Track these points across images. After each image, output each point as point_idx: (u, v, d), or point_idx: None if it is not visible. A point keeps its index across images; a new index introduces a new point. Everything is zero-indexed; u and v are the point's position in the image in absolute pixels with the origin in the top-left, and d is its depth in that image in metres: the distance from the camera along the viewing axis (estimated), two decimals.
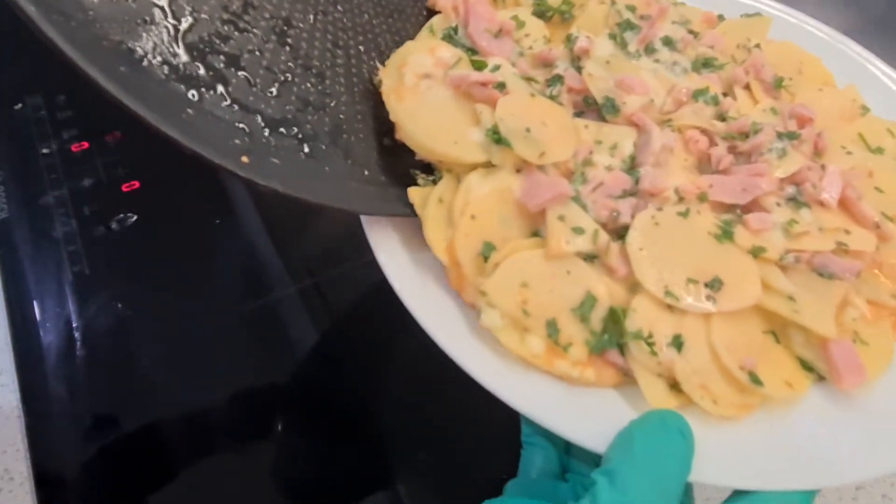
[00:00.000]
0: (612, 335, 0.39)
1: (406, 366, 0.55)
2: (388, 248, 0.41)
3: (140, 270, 0.58)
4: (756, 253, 0.43)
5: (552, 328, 0.39)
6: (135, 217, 0.61)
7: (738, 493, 0.36)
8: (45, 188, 0.63)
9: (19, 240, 0.59)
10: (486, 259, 0.40)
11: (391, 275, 0.39)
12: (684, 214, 0.43)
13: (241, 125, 0.35)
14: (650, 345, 0.38)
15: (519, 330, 0.39)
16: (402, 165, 0.45)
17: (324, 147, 0.40)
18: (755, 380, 0.38)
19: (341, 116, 0.44)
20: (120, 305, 0.56)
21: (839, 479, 0.36)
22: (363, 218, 0.42)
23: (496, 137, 0.43)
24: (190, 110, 0.33)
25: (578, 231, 0.41)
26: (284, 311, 0.59)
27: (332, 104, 0.43)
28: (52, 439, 0.48)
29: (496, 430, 0.51)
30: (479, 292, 0.39)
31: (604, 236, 0.41)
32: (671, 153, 0.47)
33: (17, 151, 0.65)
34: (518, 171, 0.44)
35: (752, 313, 0.42)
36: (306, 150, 0.39)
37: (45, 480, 0.47)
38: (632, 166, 0.46)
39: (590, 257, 0.42)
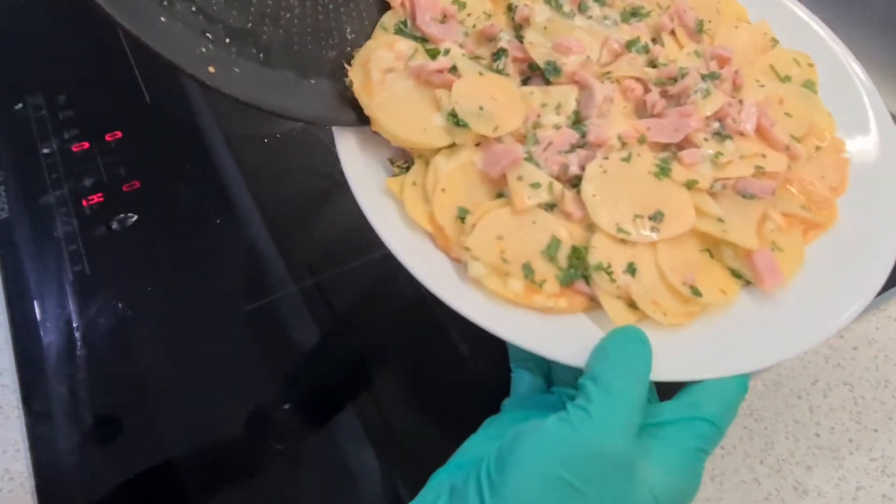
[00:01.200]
0: (576, 269, 0.47)
1: (406, 365, 0.57)
2: (383, 218, 0.47)
3: (141, 270, 0.59)
4: (690, 185, 0.51)
5: (528, 270, 0.46)
6: (135, 217, 0.62)
7: (685, 387, 0.46)
8: (45, 188, 0.63)
9: (20, 239, 0.59)
10: (463, 221, 0.47)
11: (389, 241, 0.45)
12: (627, 159, 0.51)
13: (207, 34, 0.37)
14: (609, 273, 0.46)
15: (501, 275, 0.46)
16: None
17: (278, 57, 0.43)
18: (695, 292, 0.47)
19: (294, 29, 0.47)
20: (120, 305, 0.57)
21: (762, 361, 0.45)
22: (357, 195, 0.47)
23: (455, 120, 0.49)
24: (163, 18, 0.34)
25: (536, 186, 0.48)
26: (285, 310, 0.59)
27: (286, 16, 0.47)
28: (52, 439, 0.48)
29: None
30: (463, 249, 0.46)
31: (558, 186, 0.49)
32: (612, 103, 0.54)
33: (18, 151, 0.65)
34: (478, 145, 0.51)
35: (690, 237, 0.51)
36: (261, 58, 0.42)
37: (46, 480, 0.47)
38: (577, 121, 0.53)
39: (549, 206, 0.49)
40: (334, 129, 0.50)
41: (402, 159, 0.52)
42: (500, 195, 0.50)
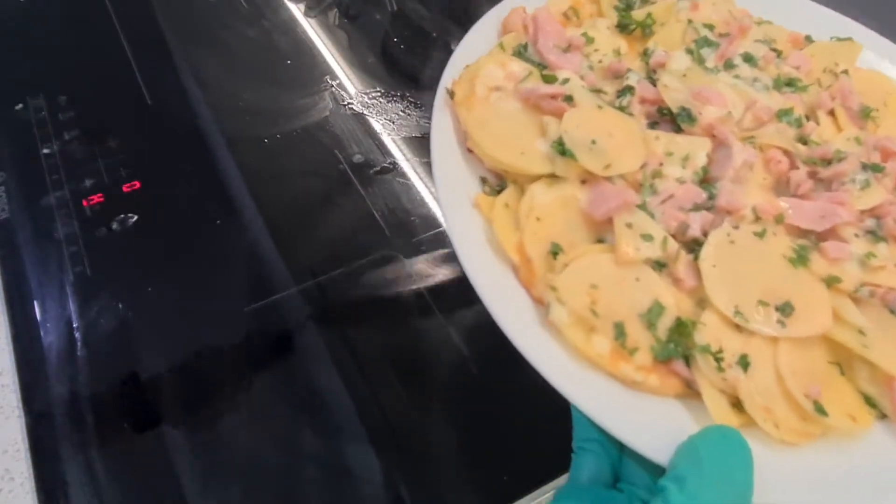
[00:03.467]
0: (678, 345, 0.40)
1: (407, 365, 0.56)
2: (464, 236, 0.42)
3: (141, 271, 0.59)
4: (830, 282, 0.43)
5: (619, 331, 0.39)
6: (135, 217, 0.62)
7: None
8: (46, 189, 0.64)
9: (20, 240, 0.60)
10: (555, 257, 0.41)
11: (466, 264, 0.40)
12: (760, 235, 0.44)
13: None
14: (718, 360, 0.39)
15: (586, 329, 0.40)
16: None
17: None
18: (819, 409, 0.39)
19: None
20: (121, 306, 0.57)
21: None
22: (442, 203, 0.43)
23: (561, 149, 0.44)
24: None
25: (647, 238, 0.42)
26: (286, 311, 0.59)
27: None
28: (52, 439, 0.49)
29: (516, 429, 0.52)
30: (548, 287, 0.40)
31: (673, 244, 0.42)
32: (751, 170, 0.48)
33: (19, 152, 0.66)
34: (583, 182, 0.45)
35: (820, 342, 0.43)
36: None
37: (46, 480, 0.47)
38: (704, 179, 0.47)
39: (658, 266, 0.42)
40: (432, 137, 0.46)
41: (497, 182, 0.47)
42: (600, 241, 0.44)
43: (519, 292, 0.42)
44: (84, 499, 0.47)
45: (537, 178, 0.45)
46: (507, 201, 0.44)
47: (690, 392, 0.40)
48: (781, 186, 0.49)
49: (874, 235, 0.47)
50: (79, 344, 0.54)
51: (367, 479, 0.50)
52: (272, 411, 0.53)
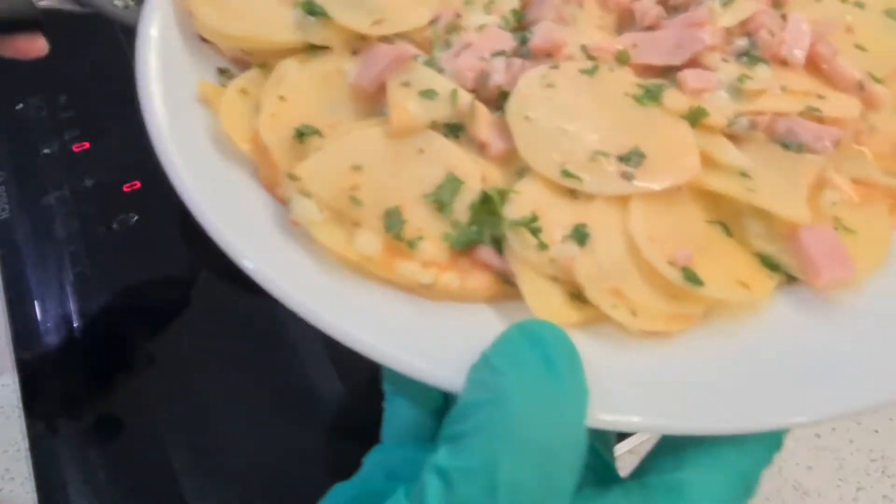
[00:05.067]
0: (483, 226, 0.28)
1: None
2: (178, 133, 0.30)
3: (141, 271, 0.59)
4: (694, 117, 0.32)
5: (393, 218, 0.28)
6: (136, 217, 0.62)
7: (666, 445, 0.25)
8: (46, 188, 0.63)
9: (21, 240, 0.60)
10: (302, 140, 0.30)
11: (169, 162, 0.28)
12: (590, 72, 0.33)
13: None
14: (535, 232, 0.27)
15: (346, 225, 0.28)
16: None
17: None
18: (691, 277, 0.28)
19: None
20: (121, 306, 0.57)
21: (809, 413, 0.24)
22: (142, 95, 0.31)
23: (309, 7, 0.33)
24: None
25: (429, 94, 0.31)
26: (287, 309, 0.58)
27: None
28: (52, 439, 0.49)
29: None
30: (288, 177, 0.28)
31: (466, 97, 0.31)
32: (580, 7, 0.37)
33: (19, 151, 0.66)
34: (356, 53, 0.34)
35: (691, 198, 0.31)
36: None
37: (46, 480, 0.47)
38: (518, 27, 0.36)
39: (453, 130, 0.31)
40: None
41: (241, 71, 0.35)
42: None
43: (259, 198, 0.30)
44: (84, 499, 0.47)
45: (290, 53, 0.34)
46: (246, 87, 0.33)
47: (511, 291, 0.28)
48: (626, 25, 0.38)
49: (749, 57, 0.36)
50: (79, 344, 0.54)
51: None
52: (272, 411, 0.52)
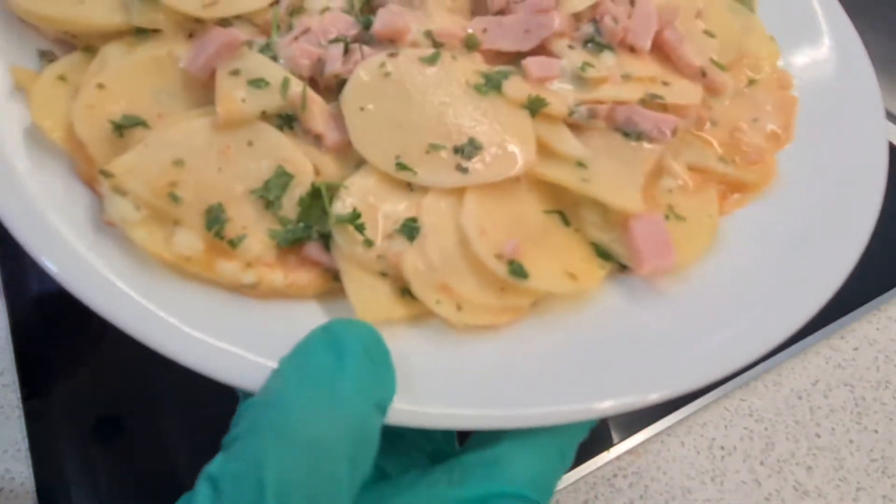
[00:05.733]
0: (311, 222, 0.28)
1: None
2: None
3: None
4: (534, 107, 0.32)
5: (215, 216, 0.27)
6: None
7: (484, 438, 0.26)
8: None
9: None
10: (121, 134, 0.28)
11: None
12: (431, 60, 0.32)
13: None
14: (360, 229, 0.27)
15: (167, 224, 0.27)
16: None
17: None
18: (516, 270, 0.28)
19: None
20: None
21: (623, 401, 0.26)
22: None
23: None
24: None
25: (259, 84, 0.29)
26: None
27: None
28: (52, 439, 0.48)
29: None
30: (101, 174, 0.27)
31: (298, 85, 0.30)
32: None
33: None
34: (191, 36, 0.32)
35: (529, 188, 0.32)
36: None
37: (46, 480, 0.46)
38: (365, 10, 0.34)
39: (286, 121, 0.30)
40: None
41: (65, 52, 0.33)
42: None
43: (76, 195, 0.28)
44: (84, 499, 0.46)
45: (118, 36, 0.31)
46: (65, 73, 0.31)
47: (341, 287, 0.28)
48: (480, 9, 0.38)
49: (595, 44, 0.36)
50: (79, 344, 0.52)
51: None
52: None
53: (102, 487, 0.47)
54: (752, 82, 0.39)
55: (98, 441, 0.48)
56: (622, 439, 0.48)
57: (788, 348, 0.53)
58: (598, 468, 0.47)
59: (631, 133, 0.34)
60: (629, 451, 0.48)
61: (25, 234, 0.25)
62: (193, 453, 0.48)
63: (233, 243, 0.27)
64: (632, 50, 0.37)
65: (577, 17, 0.37)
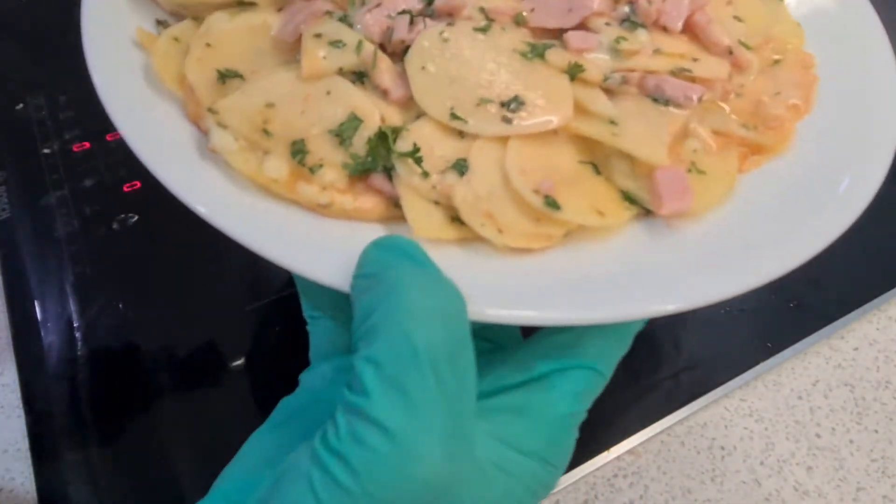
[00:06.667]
0: (377, 157, 0.32)
1: None
2: (113, 71, 0.34)
3: (142, 271, 0.58)
4: (573, 72, 0.37)
5: (298, 148, 0.32)
6: (136, 217, 0.61)
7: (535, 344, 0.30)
8: (46, 188, 0.63)
9: (21, 240, 0.59)
10: (223, 81, 0.34)
11: (104, 93, 0.32)
12: (484, 30, 0.37)
13: None
14: (418, 161, 0.32)
15: (258, 154, 0.32)
16: None
17: None
18: (551, 203, 0.32)
19: None
20: (121, 306, 0.56)
21: (641, 308, 0.29)
22: (85, 39, 0.35)
23: None
24: None
25: (338, 44, 0.35)
26: (286, 311, 0.58)
27: None
28: (52, 439, 0.49)
29: None
30: (208, 111, 0.32)
31: (370, 47, 0.35)
32: None
33: (19, 151, 0.66)
34: (280, 9, 0.38)
35: (566, 140, 0.36)
36: None
37: (46, 480, 0.47)
38: None
39: (359, 77, 0.35)
40: None
41: (178, 22, 0.39)
42: None
43: (185, 130, 0.34)
44: (84, 499, 0.46)
45: (222, 7, 0.38)
46: (179, 35, 0.37)
47: (400, 213, 0.33)
48: None
49: (630, 23, 0.40)
50: (79, 344, 0.53)
51: None
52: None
53: (102, 487, 0.47)
54: (776, 62, 0.43)
55: (98, 441, 0.49)
56: (622, 439, 0.48)
57: (788, 348, 0.53)
58: (598, 468, 0.47)
59: (659, 99, 0.38)
60: (629, 451, 0.48)
61: (147, 154, 0.31)
62: (194, 454, 0.48)
63: (312, 170, 0.32)
64: (664, 30, 0.41)
65: (615, 0, 0.41)
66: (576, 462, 0.46)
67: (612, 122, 0.36)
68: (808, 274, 0.54)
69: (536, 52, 0.37)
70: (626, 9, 0.40)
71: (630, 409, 0.49)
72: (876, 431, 0.52)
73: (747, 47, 0.42)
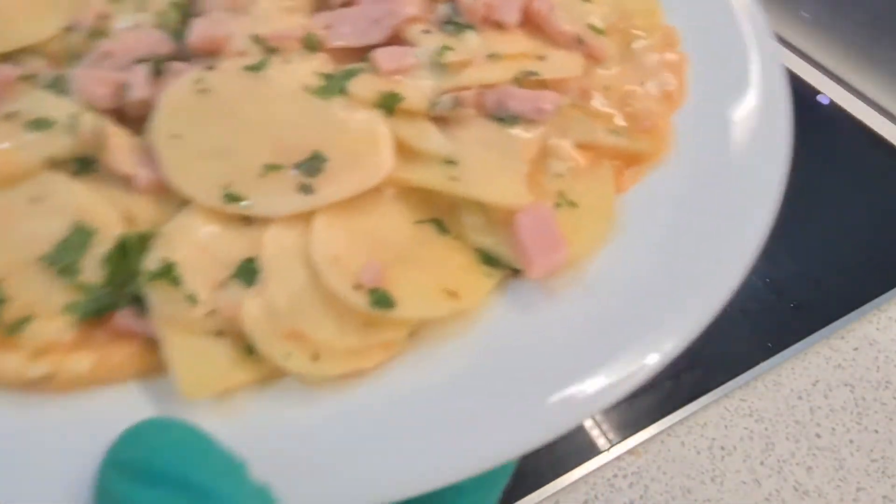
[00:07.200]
0: (120, 285, 0.22)
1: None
2: None
3: None
4: (388, 104, 0.27)
5: None
6: None
7: None
8: None
9: None
10: None
11: None
12: (258, 67, 0.27)
13: None
14: (173, 281, 0.21)
15: None
16: None
17: None
18: (380, 301, 0.23)
19: None
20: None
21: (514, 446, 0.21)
22: None
23: None
24: None
25: (40, 126, 0.24)
26: None
27: None
28: None
29: None
30: None
31: (90, 120, 0.24)
32: None
33: None
34: None
35: (393, 199, 0.27)
36: None
37: None
38: (182, 22, 0.29)
39: (85, 165, 0.24)
40: None
41: None
42: None
43: None
44: None
45: None
46: None
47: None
48: (325, 6, 0.33)
49: (455, 25, 0.31)
50: None
51: None
52: None
53: None
54: (635, 44, 0.35)
55: None
56: (622, 439, 0.48)
57: (788, 348, 0.54)
58: (598, 468, 0.47)
59: (506, 118, 0.29)
60: (629, 451, 0.48)
61: None
62: None
63: (12, 329, 0.21)
64: (499, 26, 0.32)
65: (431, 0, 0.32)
66: (576, 462, 0.46)
67: (450, 162, 0.27)
68: (809, 274, 0.56)
69: (335, 86, 0.28)
70: (447, 9, 0.32)
71: (630, 409, 0.50)
72: (876, 431, 0.53)
73: (599, 31, 0.34)
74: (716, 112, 0.32)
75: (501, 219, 0.27)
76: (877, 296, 0.57)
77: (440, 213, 0.28)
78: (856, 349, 0.57)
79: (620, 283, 0.25)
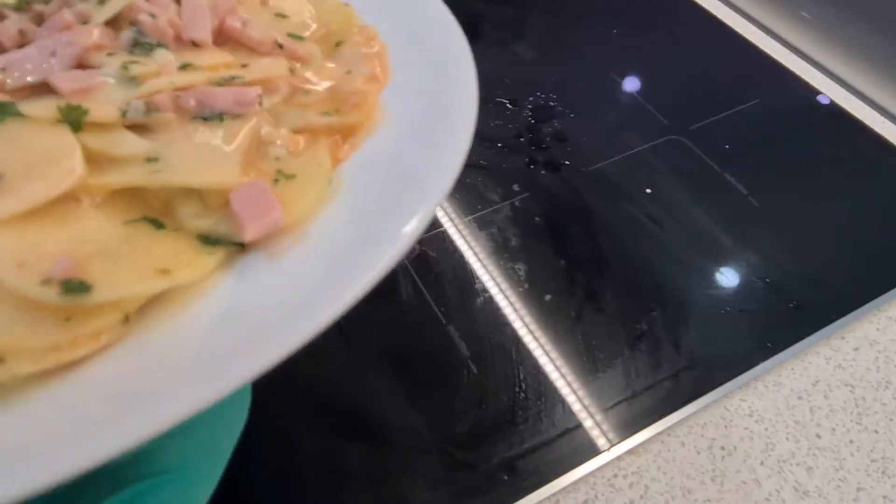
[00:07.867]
0: None
1: (405, 365, 0.51)
2: None
3: None
4: (74, 118, 0.26)
5: None
6: None
7: None
8: None
9: None
10: None
11: None
12: None
13: None
14: None
15: None
16: None
17: None
18: (73, 288, 0.21)
19: None
20: None
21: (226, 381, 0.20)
22: None
23: None
24: None
25: None
26: None
27: None
28: None
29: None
30: None
31: None
32: None
33: None
34: None
35: (97, 204, 0.26)
36: None
37: None
38: None
39: None
40: None
41: None
42: None
43: None
44: None
45: None
46: None
47: None
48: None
49: (144, 47, 0.31)
50: None
51: (363, 482, 0.46)
52: (273, 411, 0.47)
53: None
54: (339, 44, 0.38)
55: None
56: (622, 439, 0.47)
57: (788, 348, 0.52)
58: (598, 468, 0.46)
59: (210, 116, 0.29)
60: (629, 451, 0.47)
61: None
62: None
63: None
64: (196, 45, 0.33)
65: (114, 27, 0.32)
66: (576, 462, 0.45)
67: (152, 160, 0.27)
68: (809, 274, 0.56)
69: (7, 111, 0.26)
70: (131, 32, 0.32)
71: (630, 408, 0.48)
72: (876, 431, 0.52)
73: (298, 38, 0.36)
74: (416, 86, 0.35)
75: (218, 201, 0.27)
76: (877, 296, 0.56)
77: (155, 213, 0.27)
78: (856, 349, 0.56)
79: (341, 234, 0.26)
